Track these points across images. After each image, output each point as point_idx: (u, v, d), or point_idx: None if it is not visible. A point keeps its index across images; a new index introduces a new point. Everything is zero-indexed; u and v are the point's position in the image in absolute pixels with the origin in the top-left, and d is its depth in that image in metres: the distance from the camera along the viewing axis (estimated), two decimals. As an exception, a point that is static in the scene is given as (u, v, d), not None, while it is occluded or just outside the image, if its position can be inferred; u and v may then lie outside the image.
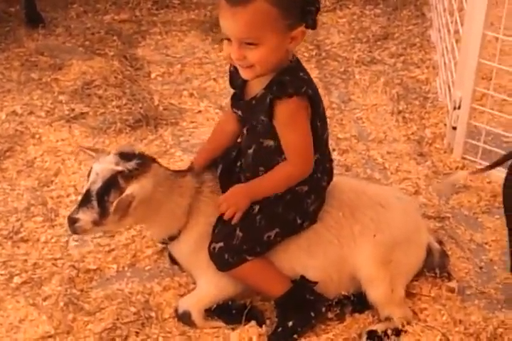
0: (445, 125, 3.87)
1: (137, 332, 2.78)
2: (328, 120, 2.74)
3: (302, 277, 2.74)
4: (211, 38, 4.81)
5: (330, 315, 2.79)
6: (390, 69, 4.48)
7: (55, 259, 3.11)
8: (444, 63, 4.14)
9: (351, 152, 3.74)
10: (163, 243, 2.92)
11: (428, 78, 4.37)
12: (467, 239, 3.21)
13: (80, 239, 3.21)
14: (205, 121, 4.02)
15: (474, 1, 3.33)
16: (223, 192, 2.78)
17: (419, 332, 2.74)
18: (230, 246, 2.67)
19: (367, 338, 2.72)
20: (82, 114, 4.06)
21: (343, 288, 2.80)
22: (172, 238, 2.82)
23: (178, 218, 2.78)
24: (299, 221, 2.73)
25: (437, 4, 4.65)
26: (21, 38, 4.77)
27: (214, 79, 4.40)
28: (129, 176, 2.63)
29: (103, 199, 2.63)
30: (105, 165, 2.65)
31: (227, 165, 2.83)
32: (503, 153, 3.48)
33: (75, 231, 2.70)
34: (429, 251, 2.91)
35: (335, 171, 2.83)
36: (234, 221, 2.66)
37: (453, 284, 2.93)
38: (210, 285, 2.80)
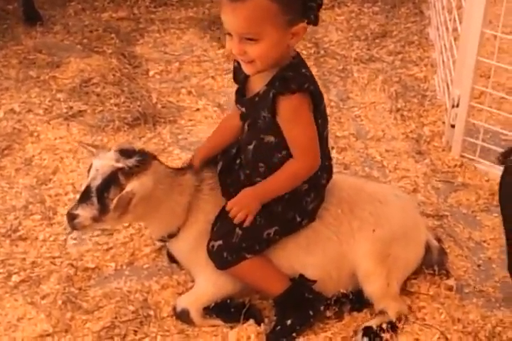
0: (443, 123, 3.87)
1: (135, 331, 2.78)
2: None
3: (301, 276, 2.74)
4: (209, 35, 4.82)
5: (328, 313, 2.78)
6: (389, 67, 4.48)
7: (54, 258, 3.11)
8: (443, 61, 4.14)
9: (350, 150, 3.74)
10: (161, 240, 2.92)
11: (426, 76, 4.38)
12: (465, 237, 3.21)
13: (78, 238, 3.21)
14: (203, 119, 4.02)
15: (473, -2, 3.33)
16: (222, 190, 2.79)
17: (418, 331, 2.74)
18: (229, 245, 2.67)
19: (363, 335, 2.72)
20: (80, 111, 4.06)
21: (342, 285, 2.80)
22: (171, 235, 2.82)
23: (177, 216, 2.78)
24: (298, 219, 2.73)
25: (436, 2, 4.65)
26: (19, 35, 4.78)
27: (212, 77, 4.40)
28: (130, 173, 2.63)
29: (103, 195, 2.63)
30: (105, 162, 2.65)
31: (227, 163, 2.82)
32: (502, 151, 3.48)
33: (74, 227, 2.70)
34: (428, 249, 2.91)
35: (333, 169, 2.83)
36: (246, 224, 2.65)
37: (451, 282, 2.93)
38: (209, 283, 2.79)
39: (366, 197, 2.83)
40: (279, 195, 2.67)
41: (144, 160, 2.68)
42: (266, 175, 2.67)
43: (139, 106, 4.05)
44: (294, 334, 2.72)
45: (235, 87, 4.18)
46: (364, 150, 3.76)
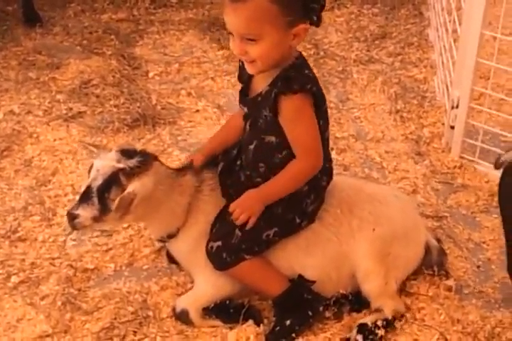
0: (443, 124, 3.88)
1: (135, 332, 2.78)
2: (327, 119, 2.74)
3: (300, 276, 2.74)
4: (209, 37, 4.82)
5: (328, 314, 2.78)
6: (388, 68, 4.49)
7: (53, 259, 3.11)
8: (442, 62, 4.14)
9: (349, 151, 3.74)
10: (161, 241, 2.92)
11: (426, 77, 4.38)
12: (465, 238, 3.21)
13: (78, 239, 3.21)
14: (202, 121, 4.02)
15: (472, 0, 3.32)
16: (223, 191, 2.79)
17: (417, 332, 2.75)
18: (229, 246, 2.67)
19: (357, 332, 2.72)
20: (79, 113, 4.06)
21: (341, 286, 2.80)
22: (170, 236, 2.82)
23: (177, 216, 2.78)
24: (297, 220, 2.73)
25: (435, 3, 4.65)
26: (19, 37, 4.77)
27: (212, 79, 4.40)
28: (131, 174, 2.63)
29: (104, 196, 2.63)
30: (106, 162, 2.65)
31: (228, 164, 2.82)
32: (501, 152, 3.49)
33: (74, 227, 2.70)
34: (428, 249, 2.91)
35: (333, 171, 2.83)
36: (248, 226, 2.65)
37: (451, 283, 2.93)
38: (208, 284, 2.79)
39: (366, 197, 2.84)
40: (282, 197, 2.66)
41: (145, 160, 2.68)
42: (266, 176, 2.67)
43: (138, 107, 4.05)
44: (293, 335, 2.71)
45: (235, 88, 4.26)
46: (364, 152, 3.76)
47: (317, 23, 2.50)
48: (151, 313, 2.85)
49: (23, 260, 3.10)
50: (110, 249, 3.16)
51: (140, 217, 2.78)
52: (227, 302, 2.81)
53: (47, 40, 4.77)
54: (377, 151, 3.75)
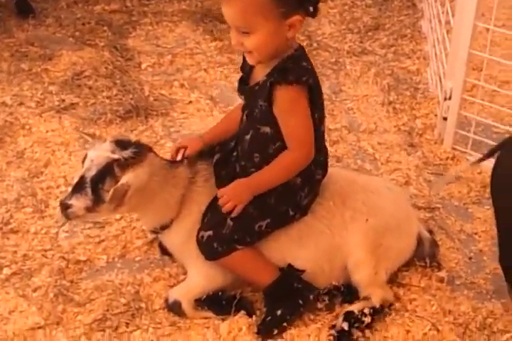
0: (436, 116, 3.88)
1: (127, 323, 2.78)
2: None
3: (289, 265, 2.74)
4: (202, 28, 4.80)
5: (319, 305, 2.79)
6: (381, 59, 4.48)
7: (45, 250, 3.10)
8: (435, 54, 4.14)
9: (342, 143, 3.74)
10: (154, 232, 2.91)
11: (419, 69, 4.38)
12: (457, 230, 3.21)
13: (70, 230, 3.20)
14: (195, 112, 4.02)
15: (465, -9, 3.32)
16: (217, 181, 2.78)
17: (409, 323, 2.75)
18: (220, 235, 2.67)
19: (343, 319, 2.72)
20: (72, 104, 4.04)
21: (334, 278, 2.81)
22: (164, 227, 2.82)
23: (170, 208, 2.78)
24: (291, 213, 2.73)
25: (428, -5, 4.65)
26: (11, 28, 4.75)
27: (205, 70, 4.39)
28: (125, 165, 2.63)
29: (97, 186, 2.63)
30: (101, 153, 2.65)
31: (224, 155, 2.82)
32: (493, 143, 3.49)
33: (67, 217, 2.71)
34: (420, 241, 2.92)
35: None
36: (233, 214, 2.65)
37: (442, 274, 2.94)
38: (201, 275, 2.79)
39: (358, 188, 2.85)
40: (272, 187, 2.66)
41: (140, 152, 2.68)
42: (260, 166, 2.67)
43: (131, 98, 4.04)
44: (284, 324, 2.71)
45: (228, 79, 4.27)
46: (356, 143, 3.76)
47: (313, 14, 2.51)
48: (143, 305, 2.85)
49: (15, 252, 3.09)
50: (102, 240, 3.15)
51: (134, 208, 2.78)
52: (220, 293, 2.81)
53: (39, 31, 4.75)
54: (370, 143, 3.75)
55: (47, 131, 3.82)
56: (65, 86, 4.18)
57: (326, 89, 4.17)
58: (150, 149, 2.77)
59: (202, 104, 4.08)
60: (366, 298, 2.76)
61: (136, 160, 2.66)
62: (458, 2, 3.47)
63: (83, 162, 2.70)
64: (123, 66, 4.37)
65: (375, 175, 3.49)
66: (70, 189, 2.72)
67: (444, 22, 3.95)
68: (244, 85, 2.69)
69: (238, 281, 2.83)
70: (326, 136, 3.60)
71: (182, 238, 2.80)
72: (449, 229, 3.20)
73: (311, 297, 2.76)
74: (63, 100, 4.06)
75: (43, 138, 3.76)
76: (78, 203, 2.65)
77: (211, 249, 2.69)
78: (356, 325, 2.70)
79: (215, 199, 2.71)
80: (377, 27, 4.84)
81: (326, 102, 3.93)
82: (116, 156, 2.64)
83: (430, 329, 2.72)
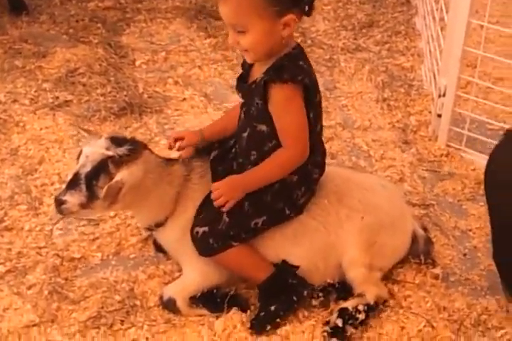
0: (430, 112, 3.88)
1: (122, 321, 2.78)
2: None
3: (284, 261, 2.74)
4: (196, 25, 4.80)
5: (314, 302, 2.79)
6: (375, 56, 4.48)
7: (40, 248, 3.10)
8: (429, 51, 4.14)
9: (336, 139, 3.74)
10: (149, 229, 2.91)
11: (413, 66, 4.38)
12: (451, 226, 3.22)
13: (64, 228, 3.20)
14: (189, 109, 4.01)
15: (459, -12, 3.32)
16: (213, 177, 2.78)
17: (404, 319, 2.76)
18: (215, 231, 2.67)
19: (337, 316, 2.72)
20: (66, 101, 4.04)
21: (328, 276, 2.81)
22: (159, 225, 2.81)
23: (165, 205, 2.78)
24: (287, 211, 2.73)
25: (422, -9, 4.65)
26: (5, 25, 4.74)
27: (199, 67, 4.38)
28: (120, 162, 2.63)
29: (92, 183, 2.63)
30: (96, 149, 2.65)
31: (222, 152, 2.82)
32: (488, 140, 3.50)
33: (61, 213, 2.70)
34: (414, 238, 2.92)
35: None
36: (224, 209, 2.65)
37: (437, 271, 2.94)
38: (195, 273, 2.79)
39: (354, 186, 2.85)
40: (267, 185, 2.66)
41: (135, 149, 2.68)
42: (257, 163, 2.67)
43: (125, 96, 4.04)
44: (278, 320, 2.72)
45: (222, 76, 4.27)
46: (351, 140, 3.76)
47: (308, 12, 2.51)
48: (138, 302, 2.85)
49: (10, 249, 3.09)
50: (97, 238, 3.15)
51: (128, 206, 2.78)
52: (214, 291, 2.81)
53: (33, 28, 4.74)
54: (364, 139, 3.76)
55: (41, 129, 3.81)
56: (58, 83, 4.17)
57: (320, 86, 4.12)
58: (145, 146, 2.77)
59: (196, 101, 4.08)
60: (360, 295, 2.77)
61: (131, 157, 2.65)
62: (452, -1, 3.48)
63: (78, 158, 2.69)
64: (117, 63, 4.37)
65: (370, 172, 3.50)
66: (63, 185, 2.72)
67: (438, 19, 3.95)
68: (242, 83, 2.69)
69: (233, 278, 2.83)
70: (320, 133, 3.66)
71: (177, 235, 2.80)
72: (444, 226, 3.21)
73: (305, 293, 2.76)
74: (57, 97, 4.05)
75: (36, 136, 3.76)
76: (72, 199, 2.64)
77: (206, 245, 2.68)
78: (350, 321, 2.70)
79: (209, 196, 2.71)
80: (371, 24, 4.84)
81: (320, 99, 3.98)
82: (111, 153, 2.63)
83: (425, 326, 2.73)
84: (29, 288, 2.92)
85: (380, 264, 2.81)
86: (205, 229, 2.67)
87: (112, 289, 2.90)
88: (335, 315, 2.72)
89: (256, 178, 2.65)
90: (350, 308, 2.72)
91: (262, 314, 2.72)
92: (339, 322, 2.69)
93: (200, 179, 2.81)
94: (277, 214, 2.72)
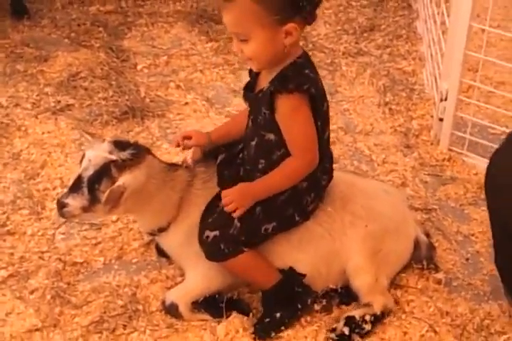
0: (432, 117, 3.88)
1: (124, 325, 2.78)
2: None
3: (291, 269, 2.74)
4: (197, 29, 4.79)
5: (316, 307, 2.79)
6: (377, 60, 4.48)
7: (42, 252, 3.10)
8: (431, 55, 4.14)
9: (338, 144, 3.74)
10: (151, 234, 2.91)
11: (415, 70, 4.38)
12: (454, 231, 3.21)
13: (67, 232, 3.20)
14: (192, 113, 4.01)
15: (460, -8, 3.32)
16: (219, 181, 2.77)
17: (406, 324, 2.76)
18: (227, 236, 2.64)
19: (344, 324, 2.72)
20: (68, 106, 4.04)
21: (331, 281, 2.81)
22: (161, 230, 2.81)
23: (168, 210, 2.78)
24: (296, 218, 2.72)
25: (423, -5, 4.65)
26: (6, 29, 4.74)
27: (201, 71, 4.38)
28: (122, 166, 2.62)
29: (94, 186, 2.63)
30: (99, 153, 2.64)
31: (229, 156, 2.82)
32: (490, 144, 3.50)
33: (63, 216, 2.70)
34: (417, 244, 2.92)
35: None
36: (234, 215, 2.63)
37: (440, 276, 2.94)
38: (198, 278, 2.79)
39: (357, 192, 2.84)
40: (275, 193, 2.65)
41: (138, 153, 2.67)
42: (265, 172, 2.66)
43: (127, 100, 4.04)
44: (282, 328, 2.72)
45: (223, 80, 4.27)
46: (353, 144, 3.76)
47: (309, 21, 2.50)
48: (140, 307, 2.85)
49: (12, 254, 3.09)
50: (99, 242, 3.15)
51: (130, 210, 2.78)
52: (216, 296, 2.80)
53: (35, 32, 4.74)
54: (366, 144, 3.76)
55: (43, 133, 3.81)
56: (60, 87, 4.17)
57: (322, 90, 4.17)
58: (148, 151, 2.76)
59: (198, 105, 4.08)
60: (367, 305, 2.76)
61: (133, 161, 2.65)
62: (453, 3, 3.47)
63: (81, 161, 2.69)
64: (119, 67, 4.37)
65: (372, 177, 3.49)
66: (66, 188, 2.72)
67: (440, 23, 3.95)
68: (249, 92, 2.68)
69: (235, 283, 2.83)
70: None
71: (180, 240, 2.79)
72: (446, 231, 3.21)
73: (309, 301, 2.76)
74: (59, 101, 4.05)
75: (39, 140, 3.76)
76: (74, 202, 2.64)
77: (217, 250, 2.66)
78: (357, 330, 2.70)
79: (216, 199, 2.70)
80: (372, 28, 4.83)
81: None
82: (113, 157, 2.63)
83: (427, 331, 2.73)
84: (31, 292, 2.92)
85: (386, 272, 2.81)
86: (216, 233, 2.64)
87: (115, 294, 2.91)
88: (341, 322, 2.72)
89: (266, 187, 2.64)
90: (357, 317, 2.72)
91: (267, 320, 2.72)
92: (346, 331, 2.69)
93: (203, 184, 2.80)
94: (287, 220, 2.72)
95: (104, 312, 2.82)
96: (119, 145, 2.68)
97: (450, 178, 3.52)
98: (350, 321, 2.72)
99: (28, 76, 4.28)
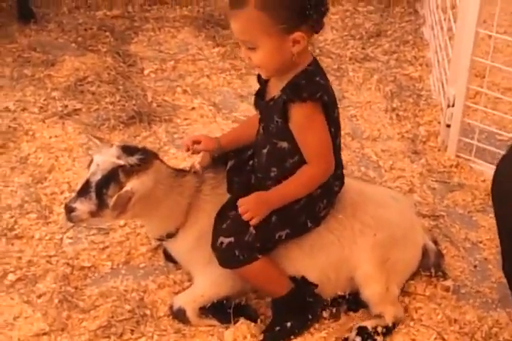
0: (439, 123, 3.88)
1: (132, 330, 2.78)
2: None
3: (303, 278, 2.73)
4: (204, 34, 4.79)
5: (325, 314, 2.79)
6: (384, 66, 4.48)
7: (50, 256, 3.10)
8: (438, 61, 4.15)
9: (345, 150, 3.72)
10: (159, 240, 2.90)
11: (421, 76, 4.37)
12: (462, 238, 3.21)
13: (74, 237, 3.21)
14: (198, 118, 4.01)
15: (468, -2, 3.33)
16: (229, 188, 2.76)
17: (414, 332, 2.75)
18: (242, 242, 2.62)
19: (356, 334, 2.72)
20: (75, 110, 4.04)
21: (339, 288, 2.80)
22: (170, 235, 2.81)
23: (176, 216, 2.77)
24: (309, 224, 2.71)
25: (430, 1, 4.65)
26: (13, 33, 4.74)
27: (207, 76, 4.38)
28: (130, 171, 2.62)
29: (102, 191, 2.62)
30: (107, 158, 2.64)
31: (239, 162, 2.81)
32: (497, 151, 3.50)
33: (71, 220, 2.70)
34: (425, 252, 2.91)
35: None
36: (251, 223, 2.61)
37: (448, 283, 2.94)
38: (207, 283, 2.79)
39: (367, 200, 2.83)
40: (291, 201, 2.64)
41: (146, 158, 2.67)
42: (277, 180, 2.65)
43: (134, 104, 4.04)
44: (292, 337, 2.72)
45: (230, 85, 4.28)
46: (360, 150, 3.76)
47: (316, 29, 2.49)
48: (148, 312, 2.85)
49: (20, 258, 3.09)
50: (107, 247, 3.15)
51: (138, 215, 2.78)
52: (224, 301, 2.80)
53: (41, 36, 4.74)
54: (374, 150, 3.76)
55: (50, 137, 3.81)
56: (67, 92, 4.17)
57: (329, 95, 4.17)
58: (156, 156, 2.76)
59: (205, 110, 4.08)
60: (379, 316, 2.76)
61: (141, 167, 2.65)
62: (460, 9, 3.47)
63: (89, 166, 2.69)
64: (125, 72, 4.37)
65: (379, 183, 3.49)
66: (74, 192, 2.72)
67: (446, 28, 3.95)
68: (260, 99, 2.67)
69: (244, 289, 2.82)
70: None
71: (189, 246, 2.79)
72: (454, 238, 3.20)
73: (319, 310, 2.77)
74: (66, 106, 4.06)
75: (46, 144, 3.76)
76: (82, 207, 2.64)
77: (231, 257, 2.64)
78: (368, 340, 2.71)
79: (229, 205, 2.69)
80: (379, 33, 4.83)
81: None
82: (121, 162, 2.63)
83: (436, 339, 2.73)
84: (39, 296, 2.92)
85: (395, 280, 2.80)
86: (231, 239, 2.62)
87: (122, 298, 2.91)
88: (354, 332, 2.72)
89: (281, 196, 2.62)
90: (369, 328, 2.72)
91: (277, 329, 2.72)
92: (358, 340, 2.70)
93: (212, 190, 2.80)
94: (300, 227, 2.71)
95: (112, 317, 2.82)
96: (127, 150, 2.68)
97: (458, 185, 3.52)
98: (362, 331, 2.72)
99: (36, 80, 4.28)
